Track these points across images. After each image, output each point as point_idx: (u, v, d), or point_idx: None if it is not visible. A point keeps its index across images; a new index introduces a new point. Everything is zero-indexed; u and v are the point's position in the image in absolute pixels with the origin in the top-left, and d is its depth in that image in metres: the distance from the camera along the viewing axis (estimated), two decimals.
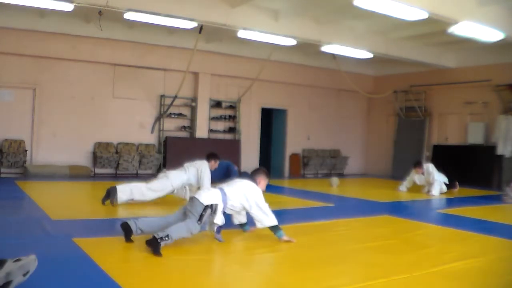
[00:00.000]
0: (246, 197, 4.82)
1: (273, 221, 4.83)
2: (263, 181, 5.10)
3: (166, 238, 4.23)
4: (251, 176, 5.13)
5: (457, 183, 11.31)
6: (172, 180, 7.21)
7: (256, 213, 4.81)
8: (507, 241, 5.64)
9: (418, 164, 10.79)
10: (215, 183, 7.34)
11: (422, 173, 10.63)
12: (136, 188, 6.97)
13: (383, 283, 3.68)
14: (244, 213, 5.10)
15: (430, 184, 10.50)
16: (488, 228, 6.42)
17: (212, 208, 4.63)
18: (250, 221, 5.13)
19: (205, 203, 4.59)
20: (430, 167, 10.61)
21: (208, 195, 4.72)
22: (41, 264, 3.16)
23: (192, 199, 4.70)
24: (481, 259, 4.61)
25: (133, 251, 4.41)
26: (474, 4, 8.79)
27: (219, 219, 4.69)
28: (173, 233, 4.31)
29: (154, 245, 4.19)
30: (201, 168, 7.28)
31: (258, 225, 4.86)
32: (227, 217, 4.93)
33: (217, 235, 4.74)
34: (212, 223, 4.69)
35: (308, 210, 7.57)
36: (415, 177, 10.80)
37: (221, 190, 4.81)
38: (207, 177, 7.25)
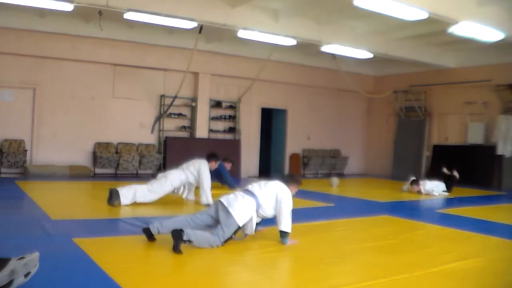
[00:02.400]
0: (278, 200, 4.82)
1: (288, 228, 4.80)
2: (294, 189, 5.12)
3: (188, 243, 4.32)
4: (286, 180, 5.10)
5: (455, 172, 11.09)
6: (171, 179, 7.25)
7: (279, 216, 4.80)
8: (507, 241, 5.64)
9: (414, 182, 10.49)
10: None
11: (418, 191, 10.34)
12: (139, 191, 7.02)
13: (383, 283, 3.68)
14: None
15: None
16: (488, 228, 6.43)
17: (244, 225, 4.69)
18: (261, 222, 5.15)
19: (240, 224, 4.61)
20: (427, 185, 10.36)
21: (244, 212, 4.64)
22: (41, 264, 3.16)
23: (228, 214, 4.57)
24: (481, 259, 4.61)
25: (133, 251, 4.41)
26: (474, 4, 8.79)
27: (252, 229, 4.75)
28: (196, 241, 4.37)
29: (177, 240, 4.24)
30: (201, 169, 7.26)
31: (280, 227, 4.81)
32: None
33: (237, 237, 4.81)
34: (243, 230, 4.77)
35: (308, 210, 7.57)
36: (411, 189, 10.59)
37: (256, 198, 4.76)
38: (206, 178, 7.25)
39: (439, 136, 14.74)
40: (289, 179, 5.13)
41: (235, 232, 4.63)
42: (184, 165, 7.42)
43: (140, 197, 7.01)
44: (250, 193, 4.79)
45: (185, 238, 4.27)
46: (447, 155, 13.99)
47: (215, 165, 7.55)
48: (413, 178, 10.75)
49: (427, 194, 10.27)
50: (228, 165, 9.79)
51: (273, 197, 4.82)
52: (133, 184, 7.28)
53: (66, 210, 6.53)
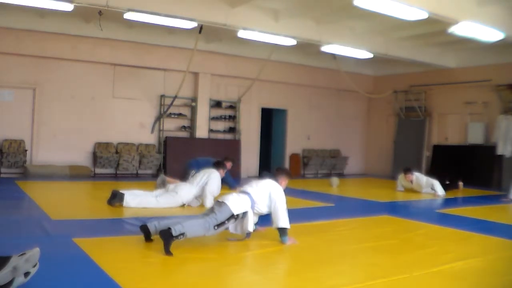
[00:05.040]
0: (270, 196, 4.84)
1: (286, 224, 4.81)
2: (284, 181, 5.15)
3: (181, 237, 4.22)
4: (274, 175, 5.15)
5: (460, 182, 11.27)
6: (183, 196, 7.14)
7: (275, 215, 4.81)
8: (507, 241, 5.64)
9: (407, 171, 10.61)
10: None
11: (411, 181, 10.51)
12: (144, 199, 6.94)
13: (383, 283, 3.68)
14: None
15: (418, 190, 10.42)
16: (488, 228, 6.43)
17: (239, 216, 4.68)
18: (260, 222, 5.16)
19: (235, 212, 4.61)
20: (420, 178, 10.43)
21: (238, 203, 4.68)
22: (41, 264, 3.16)
23: (221, 204, 4.63)
24: (481, 259, 4.61)
25: (133, 251, 4.41)
26: (474, 4, 8.78)
27: (251, 226, 4.73)
28: (188, 231, 4.29)
29: (166, 240, 4.16)
30: (211, 177, 7.16)
31: (274, 225, 4.84)
32: None
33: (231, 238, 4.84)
34: (243, 228, 4.75)
35: (308, 210, 7.57)
36: (403, 182, 10.75)
37: (249, 195, 4.80)
38: (215, 186, 7.18)
39: (439, 136, 14.73)
40: (278, 173, 5.19)
41: (229, 219, 4.59)
42: (195, 181, 7.23)
43: (144, 204, 6.89)
44: (244, 192, 4.88)
45: (175, 234, 4.17)
46: (447, 155, 13.99)
47: (223, 173, 7.51)
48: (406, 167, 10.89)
49: (420, 189, 10.32)
50: (228, 164, 9.73)
51: (267, 195, 4.85)
52: (138, 190, 7.17)
53: (66, 210, 6.53)
